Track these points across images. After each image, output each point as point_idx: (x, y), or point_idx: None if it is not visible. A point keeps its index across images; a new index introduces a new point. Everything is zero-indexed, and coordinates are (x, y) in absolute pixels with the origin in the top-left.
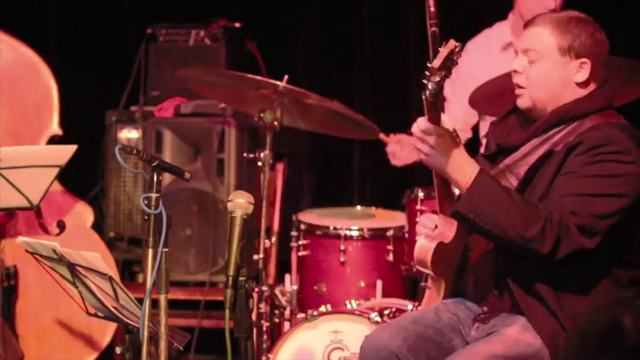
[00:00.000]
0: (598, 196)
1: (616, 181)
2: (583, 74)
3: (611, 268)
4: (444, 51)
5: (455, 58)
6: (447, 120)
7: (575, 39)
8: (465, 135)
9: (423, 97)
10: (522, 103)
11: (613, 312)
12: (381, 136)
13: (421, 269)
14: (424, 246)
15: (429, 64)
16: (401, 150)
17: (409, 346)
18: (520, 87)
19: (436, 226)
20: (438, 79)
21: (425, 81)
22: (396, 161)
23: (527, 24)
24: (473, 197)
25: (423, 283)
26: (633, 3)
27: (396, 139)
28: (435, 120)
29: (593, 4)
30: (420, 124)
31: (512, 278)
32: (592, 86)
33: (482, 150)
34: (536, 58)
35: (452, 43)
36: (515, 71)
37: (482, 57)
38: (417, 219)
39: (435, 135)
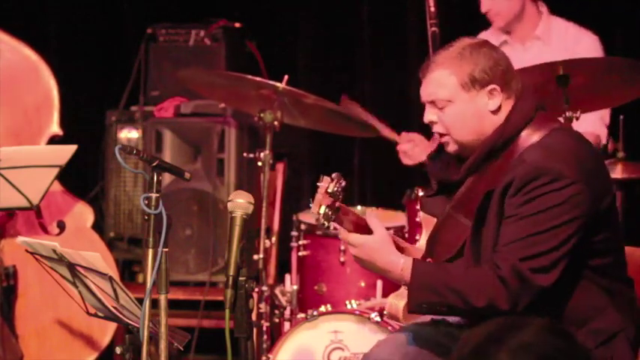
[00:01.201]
0: (542, 233)
1: (557, 212)
2: (495, 101)
3: (590, 283)
4: (319, 192)
5: (336, 189)
6: (372, 222)
7: (474, 69)
8: None
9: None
10: (450, 149)
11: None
12: (391, 134)
13: (392, 322)
14: (392, 306)
15: (312, 211)
16: (413, 148)
17: None
18: (442, 135)
19: None
20: (329, 214)
21: (320, 221)
22: (408, 160)
23: (423, 72)
24: (417, 293)
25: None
26: (633, 3)
27: (408, 137)
28: (357, 227)
29: (593, 5)
30: (343, 236)
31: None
32: (509, 104)
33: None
34: (444, 104)
35: (321, 184)
36: (431, 122)
37: None
38: (418, 219)
39: (354, 245)
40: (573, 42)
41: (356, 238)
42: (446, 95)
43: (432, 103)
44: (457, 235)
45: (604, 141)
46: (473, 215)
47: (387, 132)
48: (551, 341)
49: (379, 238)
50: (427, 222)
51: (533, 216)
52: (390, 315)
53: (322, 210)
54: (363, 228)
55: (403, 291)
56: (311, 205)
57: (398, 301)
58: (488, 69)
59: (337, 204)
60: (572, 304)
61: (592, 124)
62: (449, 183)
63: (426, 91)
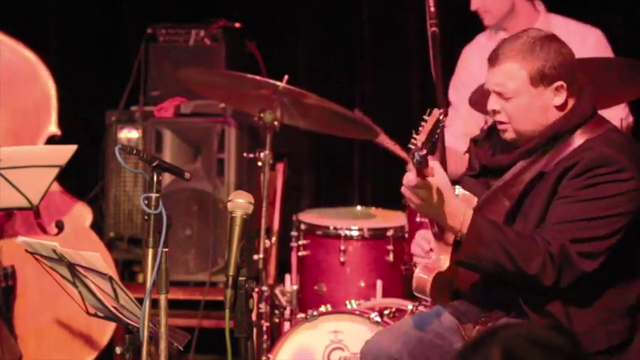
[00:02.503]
0: (596, 219)
1: (614, 202)
2: (561, 97)
3: (617, 282)
4: (428, 122)
5: (440, 126)
6: (436, 167)
7: (544, 65)
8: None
9: (411, 163)
10: (508, 136)
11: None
12: (401, 152)
13: (420, 296)
14: (423, 277)
15: (414, 137)
16: None
17: (409, 351)
18: (503, 123)
19: (431, 250)
20: (424, 152)
21: (412, 148)
22: None
23: (493, 61)
24: (471, 243)
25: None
26: (633, 3)
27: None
28: (422, 172)
29: (594, 5)
30: (410, 180)
31: (521, 296)
32: (572, 102)
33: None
34: (511, 95)
35: (435, 112)
36: (494, 111)
37: (480, 58)
38: (418, 219)
39: (424, 189)
40: (579, 41)
41: (425, 182)
42: (514, 88)
43: (499, 93)
44: (497, 216)
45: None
46: (516, 196)
47: (391, 145)
48: (546, 334)
49: (442, 180)
50: (466, 200)
51: (591, 201)
52: (418, 289)
53: (427, 144)
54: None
55: (431, 265)
56: (416, 137)
57: (427, 275)
58: (557, 65)
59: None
60: (599, 302)
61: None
62: (495, 167)
63: (494, 81)
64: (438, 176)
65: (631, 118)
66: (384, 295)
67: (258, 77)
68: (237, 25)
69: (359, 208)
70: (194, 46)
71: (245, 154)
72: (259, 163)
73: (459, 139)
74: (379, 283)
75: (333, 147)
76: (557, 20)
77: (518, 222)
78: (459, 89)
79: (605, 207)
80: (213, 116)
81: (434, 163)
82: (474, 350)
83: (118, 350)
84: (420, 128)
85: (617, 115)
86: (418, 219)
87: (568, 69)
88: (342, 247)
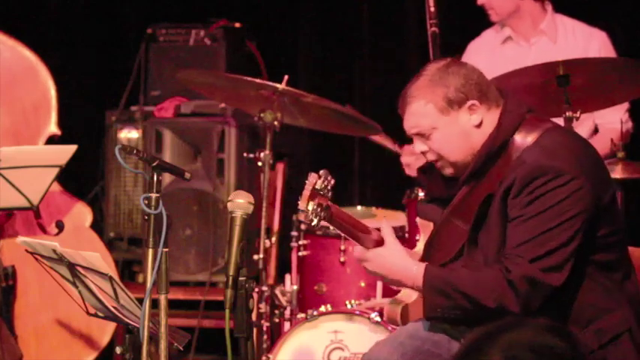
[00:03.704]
0: (549, 231)
1: (562, 208)
2: (477, 115)
3: (598, 280)
4: (307, 189)
5: (324, 185)
6: (383, 229)
7: (446, 91)
8: None
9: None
10: (447, 172)
11: (482, 354)
12: (393, 146)
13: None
14: (391, 310)
15: (299, 208)
16: (415, 161)
17: None
18: (436, 161)
19: None
20: (317, 211)
21: (309, 219)
22: (411, 172)
23: (402, 108)
24: (431, 297)
25: None
26: (633, 3)
27: (410, 150)
28: (361, 238)
29: (594, 4)
30: (355, 253)
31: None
32: (492, 115)
33: None
34: (429, 132)
35: (310, 180)
36: (422, 152)
37: (485, 55)
38: (418, 219)
39: (367, 260)
40: (584, 42)
41: (370, 252)
42: (428, 123)
43: (418, 134)
44: (454, 240)
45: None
46: (470, 219)
47: (389, 144)
48: (547, 339)
49: (392, 248)
50: (424, 227)
51: (538, 215)
52: (389, 319)
53: (310, 207)
54: (362, 231)
55: (400, 296)
56: (299, 202)
57: (396, 306)
58: (460, 86)
59: (327, 203)
60: (577, 304)
61: (612, 118)
62: (445, 198)
63: (409, 125)
64: (387, 244)
65: (631, 124)
66: (384, 295)
67: (257, 80)
68: (237, 25)
69: (359, 208)
70: (194, 46)
71: (245, 154)
72: (259, 163)
73: None
74: (379, 283)
75: (333, 147)
76: (564, 20)
77: (480, 245)
78: None
79: (554, 216)
80: (213, 116)
81: (386, 231)
82: (474, 354)
83: (118, 350)
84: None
85: (617, 115)
86: (418, 220)
87: (474, 87)
88: (342, 247)
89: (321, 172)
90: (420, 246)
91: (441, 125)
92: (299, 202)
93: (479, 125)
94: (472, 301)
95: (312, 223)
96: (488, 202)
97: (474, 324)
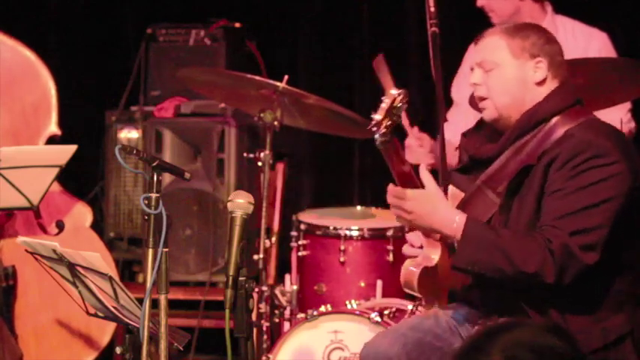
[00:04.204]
0: (589, 208)
1: (602, 187)
2: (540, 73)
3: (610, 278)
4: (386, 102)
5: (400, 105)
6: (425, 176)
7: (526, 39)
8: None
9: (381, 151)
10: (488, 114)
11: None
12: (406, 122)
13: (409, 292)
14: (409, 272)
15: (372, 117)
16: (418, 147)
17: (408, 353)
18: (482, 99)
19: (422, 246)
20: (384, 130)
21: (374, 132)
22: (410, 156)
23: (477, 39)
24: (466, 249)
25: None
26: (633, 3)
27: (418, 134)
28: (403, 176)
29: (593, 4)
30: (393, 192)
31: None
32: (553, 85)
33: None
34: (491, 67)
35: (392, 93)
36: (475, 84)
37: None
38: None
39: (407, 199)
40: (584, 42)
41: (412, 191)
42: (494, 57)
43: (480, 64)
44: (483, 210)
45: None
46: (503, 190)
47: (405, 118)
48: (547, 339)
49: (434, 191)
50: (454, 198)
51: (579, 191)
52: (405, 282)
53: (385, 122)
54: (408, 177)
55: (419, 260)
56: (374, 115)
57: (415, 269)
58: (540, 43)
59: (393, 126)
60: (593, 300)
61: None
62: (481, 159)
63: (477, 54)
64: (428, 187)
65: (633, 124)
66: (384, 295)
67: (258, 77)
68: (237, 25)
69: (359, 208)
70: (194, 46)
71: (245, 154)
72: (259, 163)
73: (458, 135)
74: (379, 283)
75: (333, 147)
76: (564, 21)
77: (512, 216)
78: (462, 86)
79: (595, 193)
80: (213, 116)
81: (422, 173)
82: (474, 354)
83: (118, 350)
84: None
85: (617, 115)
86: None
87: (551, 51)
88: (342, 247)
89: (402, 90)
90: None
91: (506, 64)
92: (375, 116)
93: (538, 83)
94: (511, 262)
95: (376, 138)
96: (524, 173)
97: (497, 286)
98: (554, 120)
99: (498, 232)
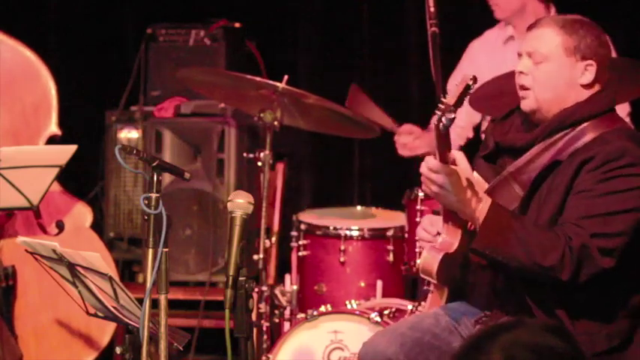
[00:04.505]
0: (615, 214)
1: (630, 195)
2: (588, 76)
3: (618, 283)
4: (459, 87)
5: (471, 90)
6: (459, 156)
7: (581, 40)
8: (466, 134)
9: (436, 131)
10: (527, 104)
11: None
12: (391, 125)
13: (425, 278)
14: (430, 257)
15: (443, 100)
16: (412, 141)
17: (406, 352)
18: (525, 88)
19: (438, 233)
20: (452, 115)
21: (439, 114)
22: (406, 151)
23: (532, 26)
24: (487, 233)
25: (425, 287)
26: (633, 3)
27: (408, 129)
28: (444, 156)
29: (593, 4)
30: (430, 163)
31: (525, 294)
32: (596, 88)
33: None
34: (542, 60)
35: (466, 77)
36: (521, 72)
37: (487, 54)
38: (418, 219)
39: (444, 174)
40: None
41: (442, 165)
42: (546, 51)
43: (530, 54)
44: (507, 202)
45: None
46: (527, 184)
47: (387, 122)
48: (547, 339)
49: (467, 171)
50: (477, 182)
51: (609, 195)
52: (424, 270)
53: (455, 106)
54: (451, 163)
55: (439, 246)
56: (445, 99)
57: (434, 256)
58: (594, 46)
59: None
60: (600, 303)
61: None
62: (509, 148)
63: (529, 42)
64: (460, 164)
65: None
66: (384, 295)
67: (258, 78)
68: (237, 25)
69: (359, 208)
70: (194, 46)
71: (245, 154)
72: (259, 163)
73: (454, 131)
74: (379, 283)
75: (333, 147)
76: None
77: (532, 210)
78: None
79: (622, 201)
80: (213, 116)
81: (457, 153)
82: (474, 354)
83: (118, 350)
84: (449, 93)
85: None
86: (418, 219)
87: (602, 55)
88: (342, 247)
89: (472, 75)
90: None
91: (556, 60)
92: (447, 99)
93: (585, 86)
94: (529, 253)
95: (441, 120)
96: (551, 169)
97: (507, 278)
98: (587, 123)
99: (522, 221)
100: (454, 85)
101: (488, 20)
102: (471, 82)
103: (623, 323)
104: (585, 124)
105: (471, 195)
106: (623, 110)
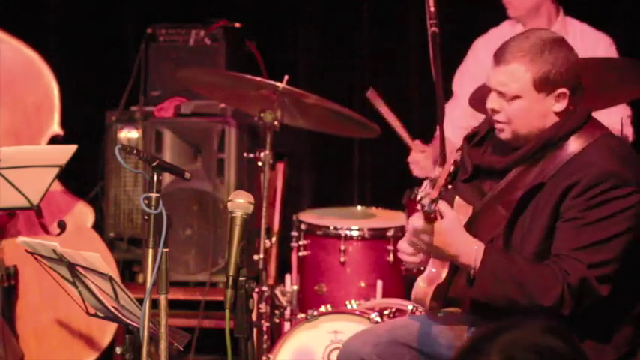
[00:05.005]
0: (607, 241)
1: (619, 219)
2: (562, 104)
3: (622, 293)
4: (442, 176)
5: (455, 178)
6: (445, 209)
7: (551, 69)
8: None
9: (419, 204)
10: (504, 136)
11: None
12: (407, 139)
13: (417, 305)
14: (422, 289)
15: (424, 194)
16: (424, 160)
17: (379, 353)
18: (500, 122)
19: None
20: (436, 204)
21: (421, 201)
22: (418, 172)
23: (498, 60)
24: (484, 281)
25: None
26: (633, 3)
27: (421, 148)
28: (432, 219)
29: (593, 4)
30: (415, 224)
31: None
32: (570, 108)
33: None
34: (513, 97)
35: (449, 162)
36: (493, 110)
37: (491, 52)
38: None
39: (429, 234)
40: (592, 46)
41: (431, 226)
42: (517, 89)
43: (501, 93)
44: (492, 226)
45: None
46: (512, 206)
47: (404, 134)
48: (547, 340)
49: (453, 222)
50: (460, 208)
51: (599, 222)
52: (417, 299)
53: (438, 200)
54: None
55: (432, 276)
56: (423, 188)
57: (427, 287)
58: (564, 71)
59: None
60: (605, 314)
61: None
62: (488, 169)
63: (498, 80)
64: (446, 218)
65: (631, 130)
66: (384, 295)
67: (258, 78)
68: (237, 25)
69: (359, 208)
70: (194, 46)
71: (245, 154)
72: (259, 163)
73: (456, 132)
74: (379, 283)
75: (333, 147)
76: (572, 23)
77: (516, 232)
78: (465, 79)
79: (612, 226)
80: (213, 116)
81: (442, 205)
82: (473, 354)
83: (118, 350)
84: (436, 175)
85: (617, 116)
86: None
87: (573, 76)
88: (343, 247)
89: (454, 160)
90: None
91: (527, 97)
92: (433, 191)
93: (559, 113)
94: (528, 295)
95: (423, 207)
96: (535, 191)
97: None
98: (571, 138)
99: (516, 261)
100: (437, 170)
101: (488, 20)
102: (452, 169)
103: (629, 331)
104: (567, 140)
105: (462, 246)
106: (623, 111)
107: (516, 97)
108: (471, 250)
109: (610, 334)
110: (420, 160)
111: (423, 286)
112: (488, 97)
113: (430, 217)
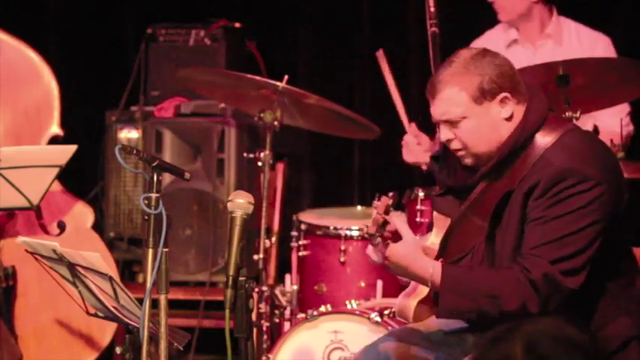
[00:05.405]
0: (571, 235)
1: (583, 213)
2: (508, 108)
3: (613, 284)
4: (377, 216)
5: (392, 209)
6: (402, 228)
7: (482, 80)
8: None
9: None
10: (467, 161)
11: (504, 343)
12: (404, 117)
13: (402, 320)
14: (404, 305)
15: (366, 226)
16: (416, 145)
17: (396, 334)
18: (459, 150)
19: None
20: (378, 240)
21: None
22: (408, 155)
23: (431, 93)
24: (447, 299)
25: None
26: (633, 4)
27: (416, 132)
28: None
29: (593, 4)
30: (369, 253)
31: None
32: (520, 109)
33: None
34: (459, 120)
35: (384, 200)
36: (448, 140)
37: None
38: (418, 219)
39: (387, 262)
40: (590, 46)
41: (389, 250)
42: (459, 112)
43: (446, 121)
44: (470, 236)
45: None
46: (488, 216)
47: (402, 112)
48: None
49: (408, 244)
50: (438, 220)
51: (560, 218)
52: (400, 314)
53: (378, 230)
54: (395, 233)
55: (415, 290)
56: (367, 225)
57: (409, 301)
58: (495, 77)
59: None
60: (589, 309)
61: (611, 122)
62: (460, 188)
63: (439, 111)
64: (402, 243)
65: (632, 127)
66: (384, 295)
67: (258, 77)
68: (237, 25)
69: (359, 208)
70: (194, 46)
71: (245, 154)
72: (259, 163)
73: None
74: (379, 283)
75: (333, 147)
76: (568, 23)
77: (497, 243)
78: None
79: (575, 220)
80: (213, 116)
81: (399, 223)
82: (494, 344)
83: (118, 350)
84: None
85: (617, 116)
86: (418, 219)
87: (507, 78)
88: (343, 247)
89: (391, 194)
90: (432, 239)
91: (472, 115)
92: (368, 226)
93: (508, 118)
94: (492, 303)
95: (373, 239)
96: (506, 199)
97: (487, 324)
98: (538, 135)
99: (474, 273)
100: (374, 205)
101: (488, 20)
102: (389, 202)
103: (620, 324)
104: (533, 139)
105: (419, 266)
106: (623, 110)
107: (462, 118)
108: (427, 272)
109: (600, 330)
110: (411, 143)
111: (404, 301)
112: (438, 132)
113: (379, 247)
